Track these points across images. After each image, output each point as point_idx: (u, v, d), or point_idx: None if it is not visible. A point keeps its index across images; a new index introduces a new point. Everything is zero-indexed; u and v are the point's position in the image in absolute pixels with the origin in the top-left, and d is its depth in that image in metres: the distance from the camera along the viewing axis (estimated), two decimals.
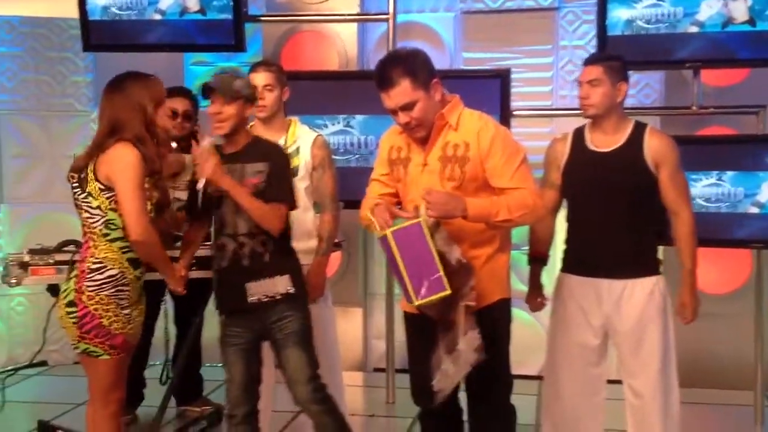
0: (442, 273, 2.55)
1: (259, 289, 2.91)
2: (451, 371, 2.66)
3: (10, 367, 4.99)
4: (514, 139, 2.81)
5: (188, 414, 4.30)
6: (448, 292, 2.56)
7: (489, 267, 2.77)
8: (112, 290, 2.82)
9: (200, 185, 2.86)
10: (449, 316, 2.64)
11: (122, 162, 2.77)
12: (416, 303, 2.59)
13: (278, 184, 2.91)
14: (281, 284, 2.93)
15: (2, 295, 5.04)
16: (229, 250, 2.93)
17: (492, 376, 2.80)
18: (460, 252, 2.63)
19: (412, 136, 2.77)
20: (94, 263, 2.82)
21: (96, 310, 2.81)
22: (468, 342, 2.63)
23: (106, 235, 2.82)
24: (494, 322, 2.78)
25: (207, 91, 2.93)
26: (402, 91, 2.66)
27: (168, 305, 4.28)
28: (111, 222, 2.82)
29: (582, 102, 3.10)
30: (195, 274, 3.62)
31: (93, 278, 2.82)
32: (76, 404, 4.19)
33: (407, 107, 2.68)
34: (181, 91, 4.21)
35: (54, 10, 5.19)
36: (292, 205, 2.99)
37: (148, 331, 4.13)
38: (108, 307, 2.81)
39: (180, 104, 4.13)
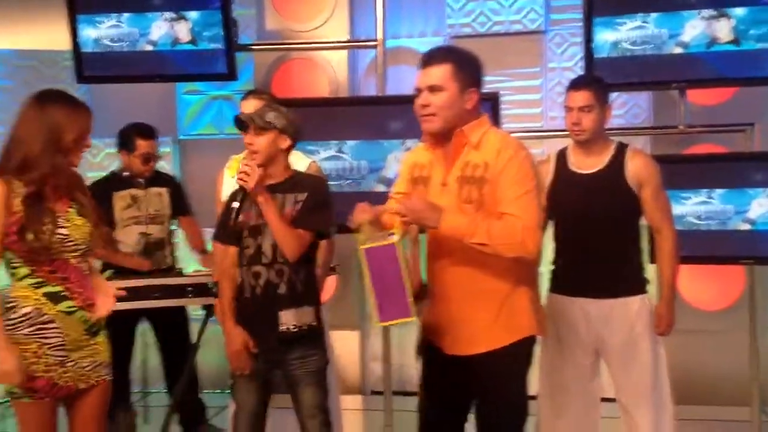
0: (410, 299, 2.48)
1: (289, 318, 2.90)
2: None
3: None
4: (532, 167, 2.62)
5: None
6: (412, 318, 2.51)
7: (508, 302, 2.60)
8: (31, 329, 2.60)
9: (235, 204, 2.87)
10: None
11: None
12: (376, 324, 2.55)
13: (308, 212, 2.91)
14: (308, 316, 2.93)
15: None
16: (262, 279, 2.91)
17: (506, 411, 2.66)
18: None
19: (424, 127, 2.63)
20: (7, 303, 2.62)
21: None
22: None
23: (13, 275, 2.64)
24: (513, 360, 2.61)
25: (238, 122, 2.96)
26: (439, 72, 2.57)
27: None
28: (9, 262, 2.64)
29: (573, 128, 3.13)
30: (125, 305, 3.57)
31: (8, 317, 2.61)
32: None
33: (434, 89, 2.57)
34: None
35: (46, 42, 5.25)
36: (323, 234, 2.99)
37: (124, 360, 4.13)
38: (27, 347, 2.60)
39: None
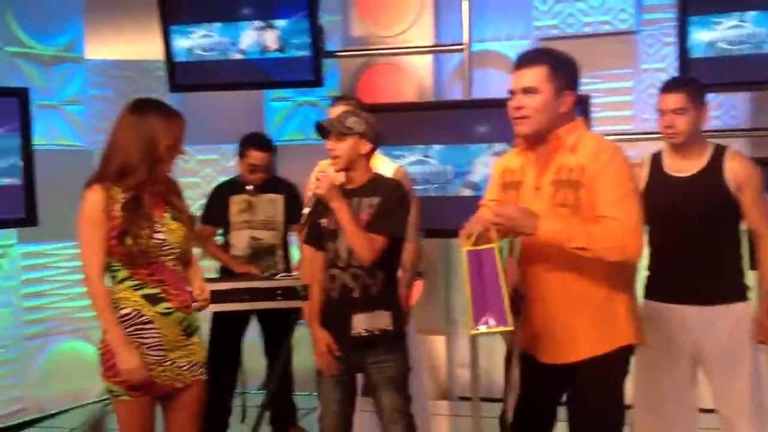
0: (507, 307, 2.39)
1: (362, 323, 2.91)
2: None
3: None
4: (630, 170, 2.56)
5: None
6: (510, 328, 2.42)
7: (605, 309, 2.53)
8: (131, 329, 2.68)
9: (306, 210, 2.92)
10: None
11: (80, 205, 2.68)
12: (471, 332, 2.46)
13: (382, 216, 2.90)
14: (382, 320, 2.92)
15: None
16: (338, 282, 2.94)
17: (601, 420, 2.61)
18: None
19: (517, 130, 2.57)
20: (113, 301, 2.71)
21: None
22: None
23: (113, 277, 2.72)
24: (610, 369, 2.55)
25: (319, 128, 2.99)
26: (534, 74, 2.50)
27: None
28: (109, 265, 2.71)
29: (667, 131, 3.05)
30: (231, 306, 3.71)
31: None
32: None
33: (529, 91, 2.50)
34: None
35: (141, 53, 5.41)
36: (398, 238, 2.95)
37: (231, 361, 4.23)
38: None
39: None
